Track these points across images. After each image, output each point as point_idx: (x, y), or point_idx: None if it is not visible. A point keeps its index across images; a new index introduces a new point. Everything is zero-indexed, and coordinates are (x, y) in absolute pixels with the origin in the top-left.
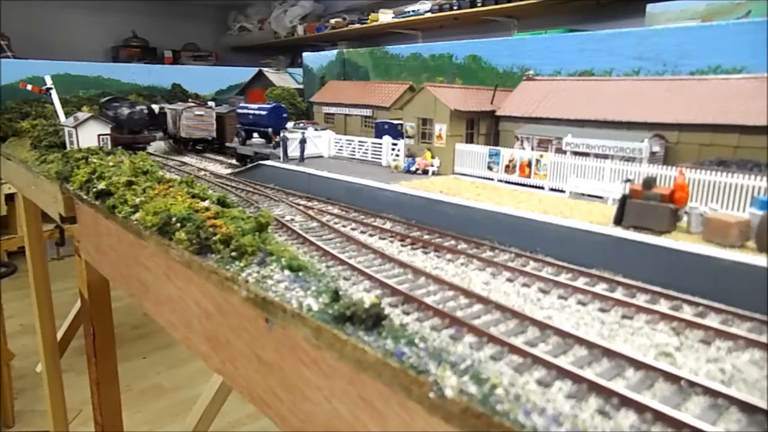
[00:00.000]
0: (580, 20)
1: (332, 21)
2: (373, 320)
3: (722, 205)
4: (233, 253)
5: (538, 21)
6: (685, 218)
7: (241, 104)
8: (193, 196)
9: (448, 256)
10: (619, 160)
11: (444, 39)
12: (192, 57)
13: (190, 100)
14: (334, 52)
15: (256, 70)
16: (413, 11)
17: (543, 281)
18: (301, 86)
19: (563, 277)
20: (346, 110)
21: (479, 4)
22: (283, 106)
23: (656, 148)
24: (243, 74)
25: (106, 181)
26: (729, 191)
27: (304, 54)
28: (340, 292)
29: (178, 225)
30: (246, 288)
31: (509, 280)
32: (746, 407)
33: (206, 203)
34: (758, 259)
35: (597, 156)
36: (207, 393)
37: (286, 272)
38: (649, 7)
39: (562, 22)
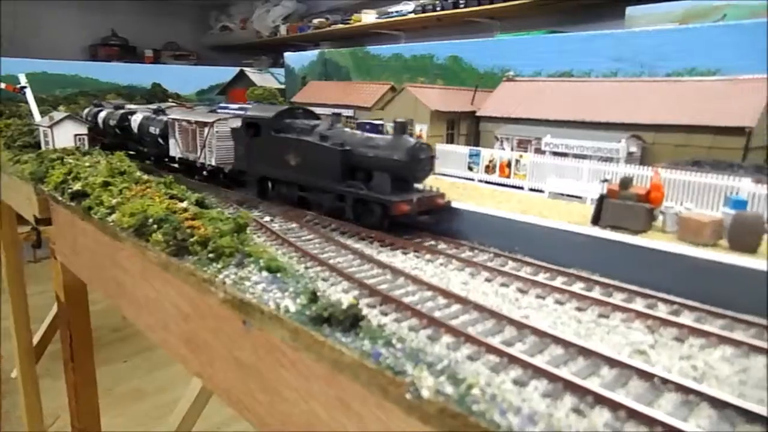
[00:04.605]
0: (562, 22)
1: (315, 21)
2: (351, 321)
3: (697, 204)
4: (211, 255)
5: (520, 22)
6: (661, 218)
7: (221, 104)
8: (171, 197)
9: (428, 256)
10: (597, 160)
11: (427, 40)
12: (173, 56)
13: (170, 99)
14: (316, 52)
15: (237, 69)
16: (396, 12)
17: (521, 281)
18: (283, 86)
19: (541, 277)
20: (327, 110)
21: (462, 5)
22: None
23: (633, 149)
24: (225, 74)
25: (82, 182)
26: (703, 191)
27: (286, 54)
28: (318, 294)
29: (155, 226)
30: (223, 290)
31: (488, 280)
32: (717, 403)
33: (184, 204)
34: (730, 258)
35: (575, 156)
36: (188, 395)
37: (264, 273)
38: (629, 9)
39: (544, 24)
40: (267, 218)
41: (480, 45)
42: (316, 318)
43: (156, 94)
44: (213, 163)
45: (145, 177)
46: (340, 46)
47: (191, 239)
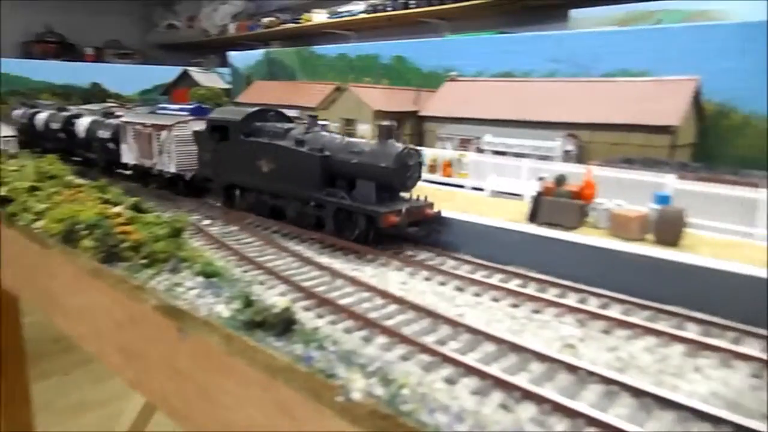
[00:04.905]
0: (509, 23)
1: (265, 20)
2: (284, 325)
3: (627, 200)
4: (144, 261)
5: (470, 23)
6: (593, 214)
7: (160, 105)
8: (105, 202)
9: (368, 256)
10: (536, 158)
11: (378, 40)
12: (116, 54)
13: (109, 100)
14: (261, 51)
15: (181, 69)
16: (347, 12)
17: (459, 279)
18: (230, 86)
19: (479, 275)
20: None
21: (413, 6)
22: (205, 106)
23: (569, 147)
24: (170, 74)
25: (7, 187)
26: (633, 188)
27: (230, 53)
28: (253, 298)
29: (86, 232)
30: (155, 296)
31: (427, 279)
32: (636, 392)
33: (119, 209)
34: (655, 251)
35: (515, 155)
36: (133, 406)
37: (199, 278)
38: (572, 12)
39: (492, 25)
40: (206, 221)
41: (424, 45)
42: (249, 323)
43: (95, 93)
44: (173, 170)
45: (78, 181)
46: (290, 45)
47: (123, 245)
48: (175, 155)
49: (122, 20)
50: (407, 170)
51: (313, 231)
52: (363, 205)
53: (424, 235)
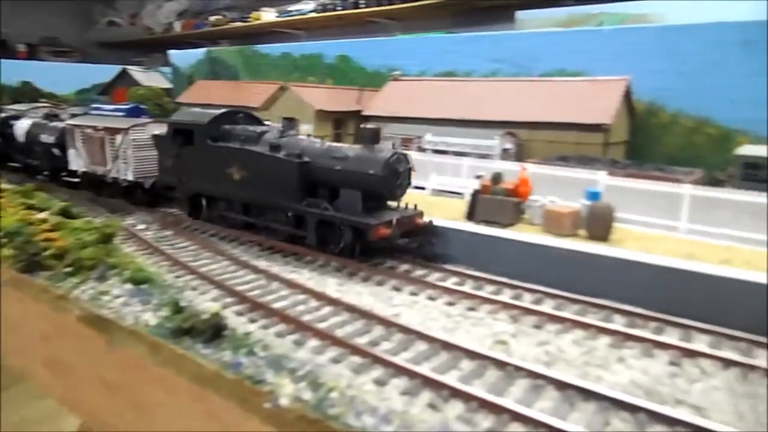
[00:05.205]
0: (459, 24)
1: (212, 18)
2: (213, 331)
3: (563, 197)
4: (68, 269)
5: (419, 24)
6: (528, 211)
7: (94, 105)
8: (29, 207)
9: (307, 258)
10: (476, 157)
11: (329, 39)
12: (52, 52)
13: (41, 100)
14: (203, 50)
15: (120, 68)
16: (297, 11)
17: (396, 279)
18: (172, 86)
19: (417, 274)
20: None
21: (363, 6)
22: (142, 107)
23: (508, 146)
24: (109, 72)
25: None
26: (568, 185)
27: (171, 52)
28: (184, 304)
29: (5, 240)
30: (79, 306)
31: (364, 280)
32: (561, 385)
33: (44, 215)
34: (585, 246)
35: (455, 154)
36: (72, 422)
37: (128, 286)
38: (519, 13)
39: (442, 26)
40: (141, 226)
41: (368, 45)
42: (177, 330)
43: (26, 93)
44: (130, 178)
45: (1, 186)
46: (239, 44)
47: (46, 252)
48: (132, 161)
49: (59, 16)
50: (397, 177)
51: (291, 244)
52: (349, 216)
53: (417, 247)
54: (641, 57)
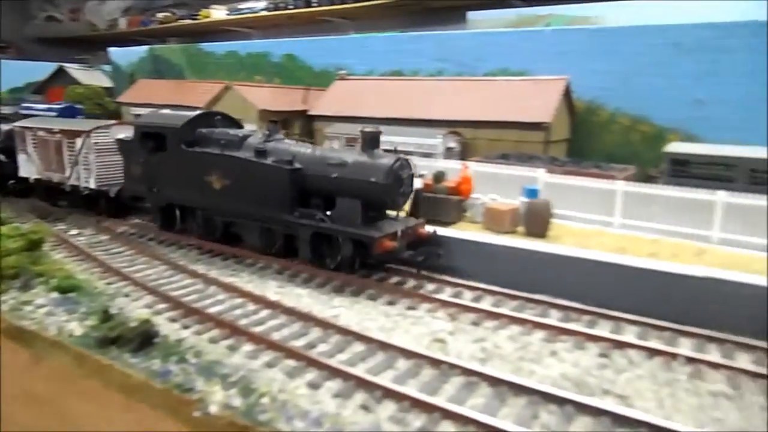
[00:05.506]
0: (412, 23)
1: (160, 15)
2: (142, 339)
3: (504, 195)
4: None
5: (373, 23)
6: (471, 209)
7: (24, 104)
8: None
9: (248, 260)
10: (420, 156)
11: (280, 38)
12: None
13: None
14: (145, 48)
15: (56, 65)
16: (248, 9)
17: (339, 279)
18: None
19: (359, 274)
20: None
21: (314, 5)
22: (78, 106)
23: (452, 144)
24: (47, 70)
25: None
26: (509, 182)
27: (111, 49)
28: (114, 312)
29: None
30: None
31: (305, 281)
32: (494, 381)
33: None
34: (522, 242)
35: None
36: None
37: (54, 295)
38: (470, 14)
39: (395, 25)
40: (74, 231)
41: (315, 44)
42: (103, 340)
43: None
44: (92, 186)
45: None
46: (189, 42)
47: None
48: (95, 167)
49: None
50: (401, 185)
51: (279, 258)
52: (349, 228)
53: (423, 260)
54: (581, 57)
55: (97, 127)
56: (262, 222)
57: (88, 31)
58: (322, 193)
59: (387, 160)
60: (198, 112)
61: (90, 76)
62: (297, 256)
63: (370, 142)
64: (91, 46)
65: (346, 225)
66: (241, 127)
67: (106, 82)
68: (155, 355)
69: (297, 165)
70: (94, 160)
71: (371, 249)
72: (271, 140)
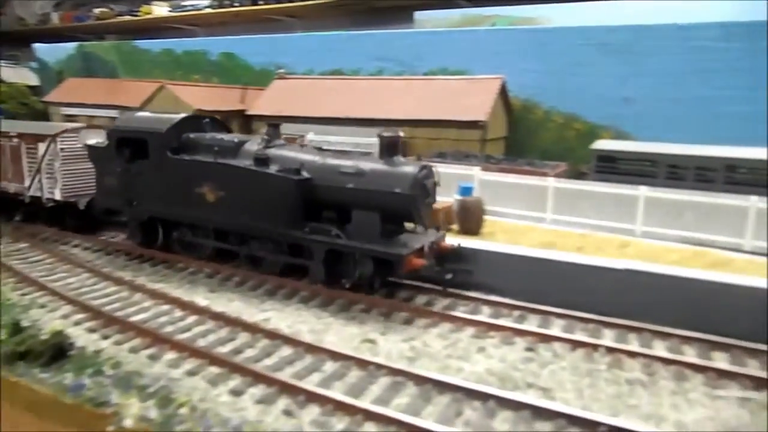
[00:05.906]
0: (360, 23)
1: (97, 11)
2: (53, 353)
3: (440, 193)
4: None
5: (319, 22)
6: None
7: None
8: None
9: (180, 264)
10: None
11: (226, 36)
12: None
13: None
14: (74, 44)
15: None
16: (191, 6)
17: (272, 283)
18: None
19: (293, 278)
20: (89, 111)
21: (260, 2)
22: (1, 105)
23: None
24: None
25: None
26: (445, 180)
27: (36, 45)
28: (25, 324)
29: None
30: None
31: (239, 284)
32: (420, 380)
33: None
34: (456, 240)
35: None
36: None
37: None
38: (417, 14)
39: (342, 24)
40: None
41: (255, 42)
42: (10, 355)
43: None
44: (57, 197)
45: None
46: (129, 39)
47: None
48: (60, 176)
49: None
50: (426, 195)
51: (285, 278)
52: (370, 246)
53: (451, 278)
54: (517, 57)
55: (64, 131)
56: (264, 239)
57: (17, 26)
58: (335, 205)
59: (411, 169)
60: (184, 115)
61: (17, 74)
62: (303, 276)
63: (389, 148)
64: (20, 42)
65: (365, 241)
66: (229, 130)
67: (35, 81)
68: (68, 369)
69: (305, 174)
70: (60, 168)
71: (399, 267)
72: (272, 146)
